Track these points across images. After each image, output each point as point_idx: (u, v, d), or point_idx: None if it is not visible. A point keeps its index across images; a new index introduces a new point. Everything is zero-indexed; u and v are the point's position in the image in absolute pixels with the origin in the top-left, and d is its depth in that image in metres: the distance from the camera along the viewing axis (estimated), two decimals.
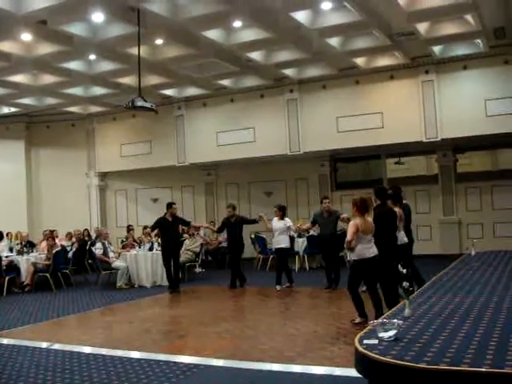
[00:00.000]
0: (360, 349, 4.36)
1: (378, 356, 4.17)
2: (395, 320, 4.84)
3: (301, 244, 15.84)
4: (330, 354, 6.83)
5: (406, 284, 5.50)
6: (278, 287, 12.31)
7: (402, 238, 9.45)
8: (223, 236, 16.75)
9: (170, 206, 13.27)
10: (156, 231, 13.53)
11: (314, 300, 11.57)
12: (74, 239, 17.50)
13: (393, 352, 4.24)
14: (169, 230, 13.00)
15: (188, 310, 11.02)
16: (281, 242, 12.51)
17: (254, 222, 13.86)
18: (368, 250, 8.16)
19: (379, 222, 8.51)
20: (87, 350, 7.62)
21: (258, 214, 13.73)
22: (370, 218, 8.37)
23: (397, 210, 9.24)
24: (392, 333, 4.58)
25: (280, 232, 12.49)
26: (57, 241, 15.79)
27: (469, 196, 17.26)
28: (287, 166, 18.91)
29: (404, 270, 6.14)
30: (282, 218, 12.57)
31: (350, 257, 8.87)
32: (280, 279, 12.41)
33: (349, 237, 8.12)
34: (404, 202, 10.22)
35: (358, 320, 8.26)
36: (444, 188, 17.49)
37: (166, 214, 13.16)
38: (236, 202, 19.42)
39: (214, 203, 20.22)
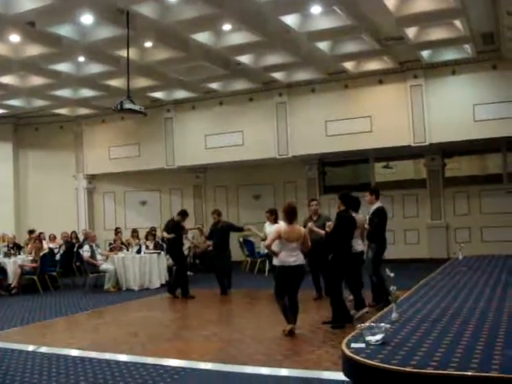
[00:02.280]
0: (347, 352, 4.37)
1: (365, 359, 4.17)
2: (382, 324, 4.84)
3: None
4: (317, 357, 6.83)
5: (393, 288, 5.50)
6: None
7: (355, 245, 9.23)
8: None
9: (186, 214, 13.10)
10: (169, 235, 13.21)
11: (302, 304, 11.50)
12: (58, 241, 17.41)
13: (380, 356, 4.24)
14: (180, 237, 13.02)
15: (176, 314, 11.00)
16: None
17: (240, 229, 13.79)
18: (290, 257, 7.99)
19: (338, 228, 8.50)
20: (74, 352, 7.59)
21: (246, 227, 13.68)
22: (298, 226, 8.30)
23: (360, 217, 9.25)
24: (379, 336, 4.59)
25: None
26: (44, 243, 15.71)
27: (456, 200, 17.33)
28: (275, 169, 18.92)
29: (391, 274, 6.15)
30: (275, 221, 11.80)
31: (273, 262, 8.67)
32: None
33: (267, 241, 8.17)
34: (378, 205, 9.98)
35: (288, 328, 8.00)
36: (432, 192, 17.54)
37: (179, 218, 12.90)
38: (224, 205, 19.54)
39: (202, 206, 20.17)
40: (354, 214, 9.09)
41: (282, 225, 11.98)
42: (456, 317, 5.71)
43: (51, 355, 7.43)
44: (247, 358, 6.96)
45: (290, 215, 8.12)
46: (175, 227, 12.80)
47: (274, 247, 8.09)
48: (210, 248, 13.98)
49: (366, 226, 9.74)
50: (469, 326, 5.22)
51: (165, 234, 13.03)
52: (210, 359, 7.01)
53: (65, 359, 7.19)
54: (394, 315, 5.50)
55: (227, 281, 12.96)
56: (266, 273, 12.52)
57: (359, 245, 9.46)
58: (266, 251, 12.17)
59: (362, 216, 9.78)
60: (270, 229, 12.16)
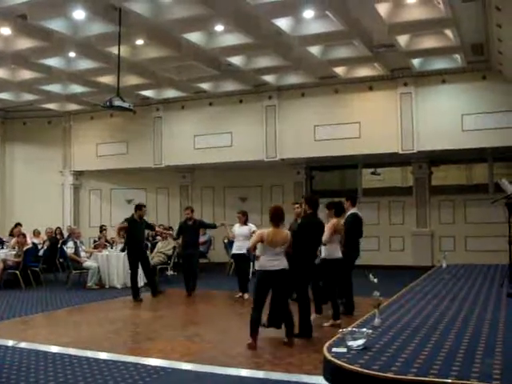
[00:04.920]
0: (328, 357, 4.38)
1: (345, 364, 4.18)
2: (364, 329, 4.86)
3: None
4: (299, 361, 6.81)
5: (376, 293, 5.53)
6: (247, 295, 11.68)
7: (332, 252, 8.93)
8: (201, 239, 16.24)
9: (140, 207, 12.49)
10: (121, 231, 12.95)
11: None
12: (42, 236, 17.30)
13: (361, 361, 4.25)
14: (136, 232, 12.37)
15: (158, 313, 10.95)
16: (243, 248, 11.53)
17: (213, 226, 13.67)
18: (271, 262, 7.54)
19: (301, 233, 8.19)
20: (54, 349, 7.53)
21: (220, 222, 13.61)
22: (284, 230, 7.89)
23: (334, 221, 8.92)
24: (361, 342, 4.60)
25: (244, 238, 11.67)
26: (28, 238, 15.60)
27: (442, 209, 17.41)
28: (263, 172, 18.92)
29: (375, 280, 6.17)
30: (244, 223, 11.96)
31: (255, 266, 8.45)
32: (247, 285, 11.94)
33: (249, 244, 7.93)
34: (352, 211, 9.92)
35: (249, 341, 7.50)
36: (418, 200, 17.62)
37: (133, 214, 12.40)
38: (211, 206, 19.56)
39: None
40: (334, 219, 8.97)
41: (252, 227, 11.98)
42: (438, 324, 5.74)
43: (31, 351, 7.37)
44: (228, 360, 6.93)
45: (277, 218, 7.75)
46: (129, 222, 12.36)
47: (257, 251, 7.82)
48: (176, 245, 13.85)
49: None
50: (450, 334, 5.25)
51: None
52: (191, 360, 6.98)
53: (44, 355, 7.13)
54: (377, 321, 5.52)
55: (192, 281, 12.67)
56: (250, 275, 12.49)
57: (337, 250, 9.00)
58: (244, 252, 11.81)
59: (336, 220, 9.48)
60: (239, 230, 12.07)
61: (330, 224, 8.89)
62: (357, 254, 10.00)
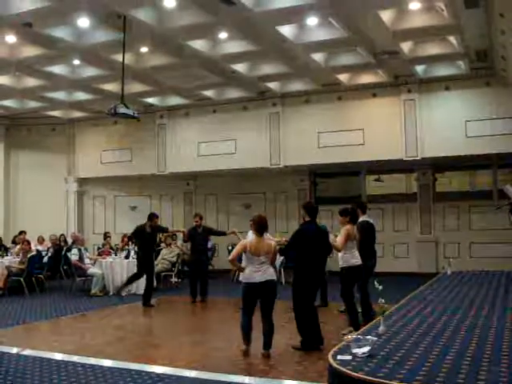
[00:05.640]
0: (333, 364, 4.37)
1: (350, 372, 4.17)
2: (369, 336, 4.85)
3: (277, 258, 15.50)
4: (304, 368, 6.81)
5: (381, 300, 5.51)
6: None
7: (348, 259, 8.75)
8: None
9: (152, 217, 12.61)
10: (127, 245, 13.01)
11: (289, 314, 11.51)
12: (46, 243, 17.32)
13: (366, 368, 4.24)
14: (147, 242, 12.51)
15: (162, 320, 10.95)
16: None
17: (222, 233, 13.67)
18: (256, 273, 7.46)
19: (298, 241, 7.94)
20: (58, 356, 7.53)
21: (231, 229, 13.57)
22: (268, 239, 7.86)
23: (348, 227, 8.67)
24: (366, 349, 4.59)
25: None
26: (32, 245, 15.61)
27: (446, 215, 17.39)
28: (267, 179, 18.92)
29: (380, 287, 6.15)
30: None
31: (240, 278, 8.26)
32: None
33: (231, 255, 7.73)
34: (363, 219, 9.78)
35: (243, 348, 7.59)
36: (422, 206, 17.60)
37: (146, 224, 12.47)
38: (214, 214, 19.54)
39: (192, 213, 20.08)
40: (348, 226, 8.71)
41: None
42: (443, 331, 5.71)
43: (35, 358, 7.37)
44: (233, 367, 6.93)
45: (260, 227, 7.70)
46: (138, 233, 12.52)
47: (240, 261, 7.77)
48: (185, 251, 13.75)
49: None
50: (456, 341, 5.23)
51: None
52: (195, 367, 6.98)
53: (48, 363, 7.13)
54: (382, 328, 5.51)
55: (202, 288, 12.72)
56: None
57: (355, 258, 8.83)
58: None
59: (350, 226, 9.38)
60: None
61: (343, 230, 8.73)
62: (373, 262, 9.92)
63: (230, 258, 7.70)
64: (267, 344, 7.55)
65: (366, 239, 9.55)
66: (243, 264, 7.86)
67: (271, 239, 11.14)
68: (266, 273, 7.51)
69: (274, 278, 7.65)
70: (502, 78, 14.46)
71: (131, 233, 13.12)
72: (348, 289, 8.81)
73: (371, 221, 10.16)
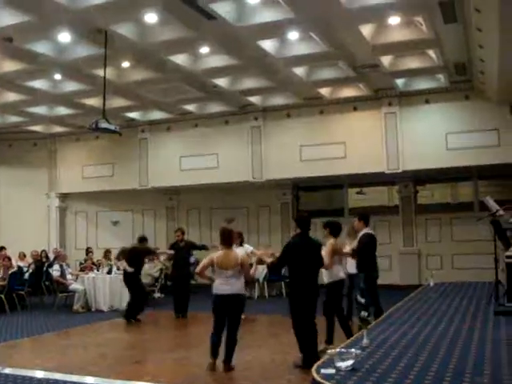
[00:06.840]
0: (317, 378, 4.36)
1: None
2: (353, 349, 4.85)
3: (261, 271, 15.40)
4: (287, 382, 6.78)
5: (363, 314, 5.52)
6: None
7: (336, 273, 8.44)
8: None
9: (143, 240, 12.89)
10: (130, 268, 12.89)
11: (272, 328, 11.50)
12: (27, 259, 17.15)
13: (350, 382, 4.24)
14: (139, 263, 12.67)
15: (145, 336, 10.87)
16: None
17: (203, 248, 13.52)
18: (223, 286, 7.48)
19: (288, 255, 7.63)
20: (40, 374, 7.42)
21: (213, 243, 13.46)
22: (235, 252, 7.77)
23: (331, 241, 8.39)
24: (349, 362, 4.59)
25: None
26: (13, 261, 15.46)
27: (428, 227, 17.46)
28: (250, 193, 18.91)
29: (362, 300, 6.16)
30: (240, 244, 11.62)
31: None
32: None
33: (198, 268, 7.74)
34: (366, 231, 9.73)
35: (210, 361, 7.50)
36: (404, 219, 17.67)
37: (137, 245, 12.81)
38: (197, 228, 19.48)
39: (175, 228, 20.00)
40: (331, 240, 8.46)
41: (249, 247, 11.87)
42: (426, 343, 5.73)
43: (16, 377, 7.25)
44: (217, 383, 6.89)
45: (224, 239, 7.65)
46: (136, 257, 12.53)
47: (208, 273, 7.76)
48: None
49: (346, 250, 9.17)
50: (439, 353, 5.24)
51: (125, 265, 12.50)
52: (179, 383, 6.93)
53: (30, 381, 7.04)
54: (365, 341, 5.51)
55: (183, 303, 12.58)
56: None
57: (339, 271, 8.59)
58: None
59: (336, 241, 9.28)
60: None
61: (328, 247, 8.32)
62: (377, 274, 9.86)
63: (197, 270, 7.72)
64: (228, 357, 7.47)
65: (370, 251, 9.64)
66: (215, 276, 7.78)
67: (255, 252, 11.22)
68: (233, 286, 7.50)
69: (242, 292, 7.65)
70: (481, 92, 14.63)
71: (120, 252, 13.12)
72: (334, 304, 8.42)
73: (373, 233, 10.10)
